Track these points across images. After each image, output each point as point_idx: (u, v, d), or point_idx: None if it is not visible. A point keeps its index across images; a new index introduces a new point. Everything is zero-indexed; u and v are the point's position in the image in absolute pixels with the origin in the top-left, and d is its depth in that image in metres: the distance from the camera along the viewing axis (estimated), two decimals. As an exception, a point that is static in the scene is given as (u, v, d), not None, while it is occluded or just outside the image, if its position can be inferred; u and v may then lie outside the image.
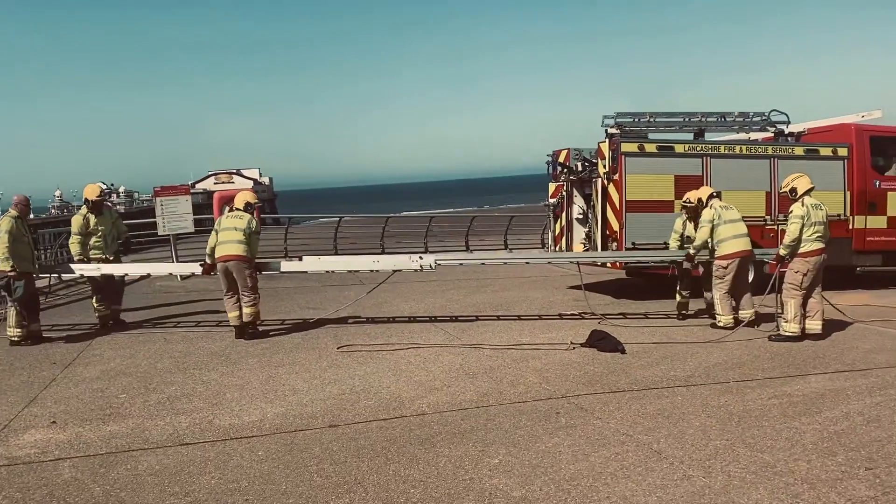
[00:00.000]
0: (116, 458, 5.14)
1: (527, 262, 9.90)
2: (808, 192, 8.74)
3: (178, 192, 16.45)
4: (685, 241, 10.23)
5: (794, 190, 8.81)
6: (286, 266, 10.15)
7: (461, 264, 9.92)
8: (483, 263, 10.03)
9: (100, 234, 10.04)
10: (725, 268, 9.27)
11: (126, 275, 10.84)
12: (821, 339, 8.64)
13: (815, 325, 8.70)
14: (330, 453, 5.13)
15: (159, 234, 16.20)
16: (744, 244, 9.34)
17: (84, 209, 10.11)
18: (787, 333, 8.58)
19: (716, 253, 9.42)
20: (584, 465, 4.83)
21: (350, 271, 11.21)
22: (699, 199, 9.92)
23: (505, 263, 9.86)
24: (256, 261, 9.47)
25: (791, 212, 8.72)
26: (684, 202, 10.21)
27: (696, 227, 9.84)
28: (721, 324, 9.26)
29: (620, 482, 4.53)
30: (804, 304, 8.67)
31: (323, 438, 5.44)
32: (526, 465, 4.85)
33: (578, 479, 4.58)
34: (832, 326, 9.35)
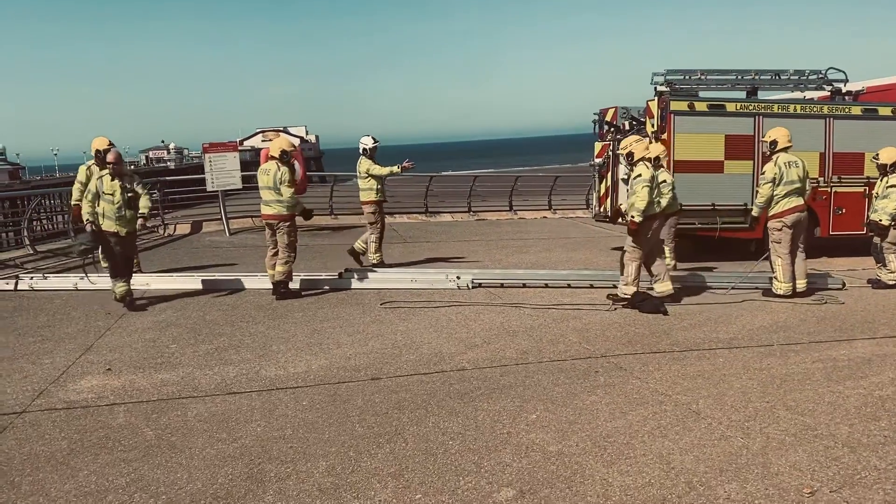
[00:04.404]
0: (168, 404, 5.36)
1: (568, 285, 9.39)
2: (785, 150, 8.78)
3: (226, 148, 16.73)
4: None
5: (774, 143, 8.83)
6: (343, 282, 9.64)
7: (502, 285, 9.48)
8: (524, 285, 9.46)
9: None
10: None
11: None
12: (805, 296, 8.72)
13: (799, 284, 8.83)
14: (372, 405, 5.27)
15: (208, 189, 16.55)
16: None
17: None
18: (777, 292, 8.76)
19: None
20: (622, 422, 4.87)
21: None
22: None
23: (546, 286, 9.40)
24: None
25: (763, 173, 8.87)
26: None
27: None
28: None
29: (657, 440, 4.56)
30: (793, 263, 8.77)
31: (365, 390, 5.58)
32: (563, 421, 4.91)
33: (615, 437, 4.63)
34: (882, 293, 9.14)
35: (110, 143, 10.24)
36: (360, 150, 11.12)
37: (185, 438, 4.72)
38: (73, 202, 10.34)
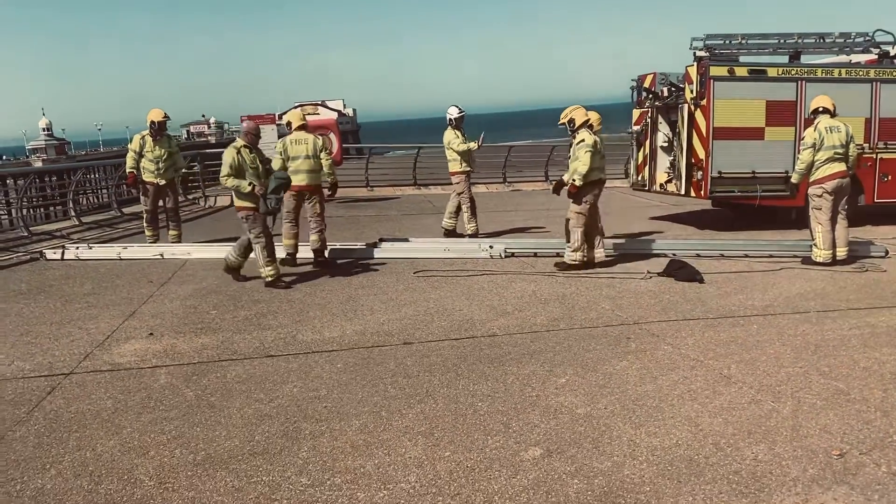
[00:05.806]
0: (207, 367, 5.53)
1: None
2: (830, 114, 8.67)
3: (264, 121, 16.88)
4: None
5: (816, 109, 8.77)
6: (378, 252, 9.67)
7: (535, 254, 9.51)
8: (558, 255, 9.25)
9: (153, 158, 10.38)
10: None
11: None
12: (846, 264, 8.61)
13: (840, 252, 8.71)
14: (404, 368, 5.37)
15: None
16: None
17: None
18: (817, 260, 8.65)
19: None
20: (651, 387, 4.88)
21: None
22: None
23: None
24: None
25: (803, 139, 8.83)
26: None
27: None
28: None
29: (686, 404, 4.57)
30: (834, 230, 8.66)
31: (397, 354, 5.69)
32: (592, 385, 4.95)
33: (644, 400, 4.65)
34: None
35: (166, 115, 10.49)
36: (447, 121, 11.01)
37: (224, 399, 4.87)
38: (128, 170, 10.60)
